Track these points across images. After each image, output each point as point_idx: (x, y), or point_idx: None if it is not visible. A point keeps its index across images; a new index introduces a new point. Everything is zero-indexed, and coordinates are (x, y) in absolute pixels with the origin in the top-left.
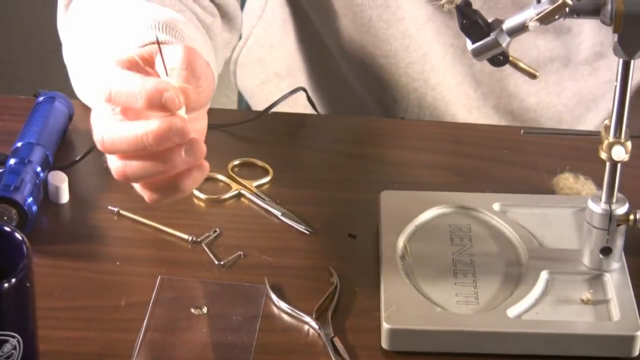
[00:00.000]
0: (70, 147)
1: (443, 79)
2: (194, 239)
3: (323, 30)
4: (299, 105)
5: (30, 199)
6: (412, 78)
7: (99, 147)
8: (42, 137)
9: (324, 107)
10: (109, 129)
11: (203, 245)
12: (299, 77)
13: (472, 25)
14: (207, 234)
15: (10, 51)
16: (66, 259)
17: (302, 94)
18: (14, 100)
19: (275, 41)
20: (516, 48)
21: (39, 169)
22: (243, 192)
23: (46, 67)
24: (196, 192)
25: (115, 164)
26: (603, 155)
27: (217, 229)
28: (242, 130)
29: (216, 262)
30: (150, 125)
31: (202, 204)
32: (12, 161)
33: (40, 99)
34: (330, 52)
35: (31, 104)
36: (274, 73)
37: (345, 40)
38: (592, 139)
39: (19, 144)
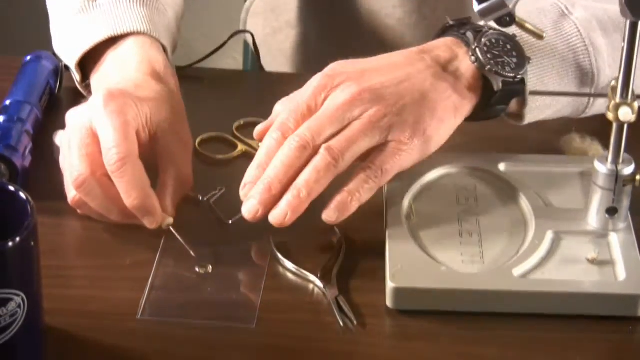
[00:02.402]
0: (63, 106)
1: None
2: (200, 197)
3: None
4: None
5: (19, 154)
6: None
7: (70, 202)
8: (30, 94)
9: (332, 59)
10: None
11: (211, 202)
12: (310, 26)
13: None
14: (213, 192)
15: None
16: (71, 218)
17: None
18: (1, 59)
19: None
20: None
21: (28, 125)
22: (248, 151)
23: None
24: (202, 151)
25: (73, 199)
26: (610, 116)
27: (223, 188)
28: (247, 90)
29: (225, 221)
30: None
31: (207, 163)
32: (0, 119)
33: (28, 58)
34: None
35: (19, 64)
36: (285, 21)
37: None
38: None
39: (8, 102)
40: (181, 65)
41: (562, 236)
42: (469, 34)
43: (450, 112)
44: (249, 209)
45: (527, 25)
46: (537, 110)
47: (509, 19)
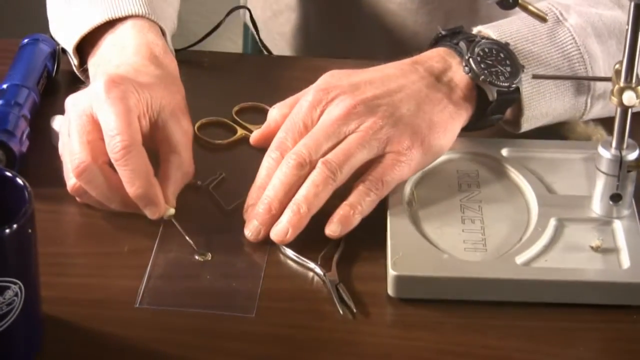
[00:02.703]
0: (61, 89)
1: None
2: (199, 182)
3: None
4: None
5: (17, 139)
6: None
7: (69, 189)
8: (27, 78)
9: (333, 43)
10: (84, 179)
11: (210, 188)
12: (311, 9)
13: None
14: (212, 178)
15: None
16: (69, 205)
17: None
18: None
19: None
20: None
21: (25, 109)
22: (248, 136)
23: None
24: (201, 136)
25: (73, 186)
26: (613, 100)
27: (222, 173)
28: (246, 74)
29: (225, 207)
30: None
31: (206, 147)
32: None
33: (25, 41)
34: None
35: (16, 47)
36: (285, 4)
37: None
38: None
39: (5, 86)
40: (178, 48)
41: (565, 223)
42: (462, 44)
43: (447, 123)
44: (251, 230)
45: (531, 8)
46: (534, 119)
47: (512, 0)
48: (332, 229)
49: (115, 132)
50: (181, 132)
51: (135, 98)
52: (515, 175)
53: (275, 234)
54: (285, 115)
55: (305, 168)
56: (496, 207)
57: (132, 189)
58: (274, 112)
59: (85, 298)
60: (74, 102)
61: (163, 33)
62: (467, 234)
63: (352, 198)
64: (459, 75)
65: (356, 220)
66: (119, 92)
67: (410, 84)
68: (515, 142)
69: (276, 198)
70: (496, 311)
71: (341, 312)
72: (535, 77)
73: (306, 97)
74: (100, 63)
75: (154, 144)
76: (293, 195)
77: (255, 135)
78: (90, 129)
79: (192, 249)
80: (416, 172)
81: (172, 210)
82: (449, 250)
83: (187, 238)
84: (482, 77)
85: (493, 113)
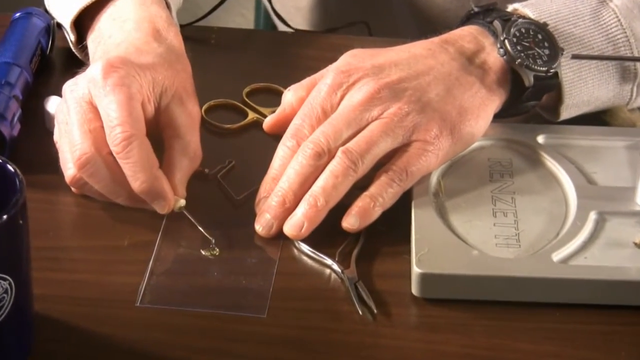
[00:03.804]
0: (55, 68)
1: None
2: (207, 170)
3: None
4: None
5: (7, 122)
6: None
7: (68, 180)
8: (19, 56)
9: (354, 18)
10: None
11: (218, 177)
12: None
13: None
14: (220, 166)
15: None
16: (64, 194)
17: None
18: None
19: None
20: None
21: (16, 90)
22: (259, 119)
23: None
24: (209, 120)
25: (72, 177)
26: None
27: (232, 160)
28: (258, 51)
29: (235, 197)
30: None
31: (215, 132)
32: None
33: (17, 15)
34: None
35: (7, 22)
36: None
37: None
38: None
39: None
40: (183, 23)
41: (606, 217)
42: (497, 23)
43: (479, 109)
44: (263, 224)
45: None
46: (574, 107)
47: None
48: (350, 222)
49: (115, 123)
50: (185, 115)
51: (138, 83)
52: (552, 164)
53: (290, 228)
54: (302, 99)
55: (323, 158)
56: (531, 199)
57: (136, 183)
58: (289, 95)
59: (81, 296)
60: (72, 87)
61: (168, 6)
62: (498, 229)
63: (373, 189)
64: (492, 57)
65: (376, 213)
66: (118, 77)
67: (440, 65)
68: (552, 128)
69: (291, 190)
70: (530, 313)
71: (360, 312)
72: (575, 57)
73: (325, 80)
74: (101, 40)
75: (159, 130)
76: (309, 188)
77: (268, 121)
78: (92, 117)
79: (198, 243)
80: (444, 163)
81: (182, 202)
82: (478, 246)
83: (202, 230)
84: (519, 60)
85: (528, 99)
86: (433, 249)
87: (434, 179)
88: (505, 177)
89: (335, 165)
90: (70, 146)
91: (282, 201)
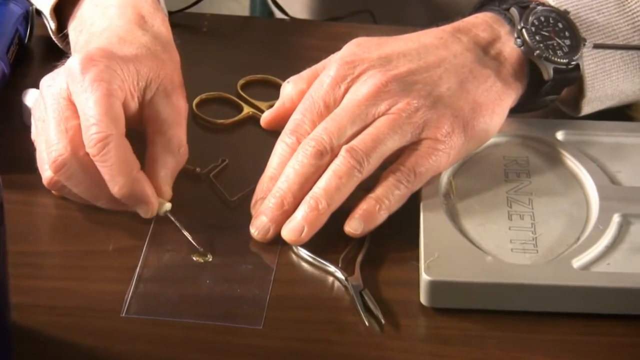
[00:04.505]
0: (34, 58)
1: None
2: (198, 170)
3: None
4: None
5: None
6: None
7: (45, 183)
8: None
9: (359, 5)
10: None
11: (211, 177)
12: None
13: None
14: (213, 165)
15: None
16: (44, 194)
17: None
18: None
19: None
20: None
21: None
22: (255, 114)
23: None
24: (200, 115)
25: (49, 179)
26: None
27: (226, 159)
28: (254, 41)
29: (228, 199)
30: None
31: (207, 128)
32: None
33: None
34: None
35: None
36: None
37: None
38: None
39: None
40: (172, 10)
41: (631, 220)
42: (514, 11)
43: (494, 104)
44: (259, 227)
45: None
46: (597, 102)
47: None
48: (353, 226)
49: (91, 122)
50: (170, 108)
51: (120, 78)
52: (573, 162)
53: (288, 232)
54: (302, 92)
55: (325, 157)
56: (549, 200)
57: (115, 188)
58: (289, 88)
59: (62, 305)
60: (49, 82)
61: None
62: (514, 233)
63: (379, 190)
64: (508, 47)
65: (382, 217)
66: (97, 72)
67: (452, 57)
68: (572, 123)
69: (290, 191)
70: (548, 324)
71: (367, 323)
72: (597, 47)
73: (328, 71)
74: (82, 28)
75: (143, 126)
76: (309, 189)
77: (266, 116)
78: (70, 115)
79: (190, 248)
80: (456, 162)
81: (168, 205)
82: (492, 252)
83: (188, 235)
84: (537, 51)
85: (547, 94)
86: (443, 255)
87: (444, 179)
88: (522, 176)
89: (338, 164)
90: (47, 146)
91: (280, 203)
